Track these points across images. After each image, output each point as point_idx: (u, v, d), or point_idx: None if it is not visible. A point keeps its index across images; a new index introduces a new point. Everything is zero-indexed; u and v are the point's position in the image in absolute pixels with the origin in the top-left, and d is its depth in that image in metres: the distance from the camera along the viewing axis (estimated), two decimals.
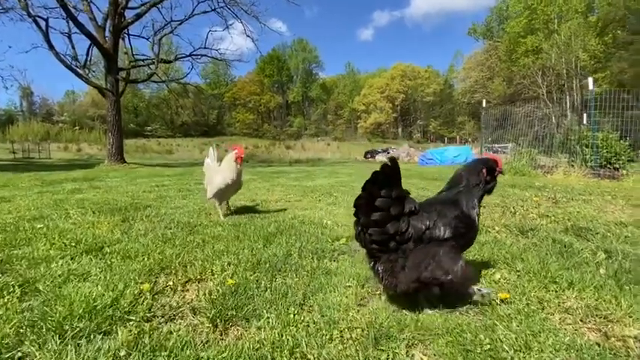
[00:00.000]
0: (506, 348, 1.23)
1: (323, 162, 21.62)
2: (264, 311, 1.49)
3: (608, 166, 8.25)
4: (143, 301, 1.57)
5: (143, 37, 16.07)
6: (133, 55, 16.02)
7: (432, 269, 1.46)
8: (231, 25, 16.64)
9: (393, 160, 1.45)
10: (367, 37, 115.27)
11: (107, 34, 13.75)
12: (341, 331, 1.34)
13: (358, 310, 1.54)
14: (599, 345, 1.30)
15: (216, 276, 1.87)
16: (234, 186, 3.51)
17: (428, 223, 1.50)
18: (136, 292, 1.65)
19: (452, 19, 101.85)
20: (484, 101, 13.79)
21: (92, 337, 1.30)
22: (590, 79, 9.12)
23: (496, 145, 15.84)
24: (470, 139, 39.74)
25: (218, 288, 1.70)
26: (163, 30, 15.81)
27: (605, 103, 9.25)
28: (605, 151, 8.36)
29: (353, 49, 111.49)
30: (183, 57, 16.98)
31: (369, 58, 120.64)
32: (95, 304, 1.51)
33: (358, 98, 63.28)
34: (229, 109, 64.51)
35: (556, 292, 1.75)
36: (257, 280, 1.81)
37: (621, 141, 8.47)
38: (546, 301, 1.65)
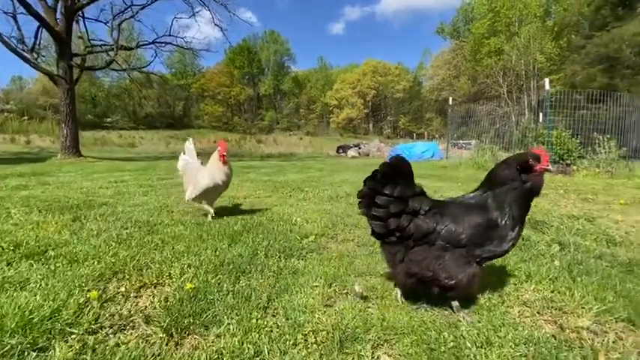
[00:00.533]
0: (469, 345, 1.24)
1: (295, 156, 21.47)
2: (225, 317, 1.40)
3: (561, 162, 8.85)
4: (89, 311, 1.42)
5: (100, 21, 14.97)
6: (89, 40, 14.90)
7: (434, 270, 1.45)
8: (198, 12, 15.98)
9: (398, 159, 1.45)
10: (338, 30, 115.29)
11: (59, 15, 12.65)
12: (305, 335, 1.29)
13: (324, 312, 1.49)
14: (555, 337, 1.35)
15: (174, 280, 1.74)
16: (223, 186, 3.19)
17: (435, 225, 1.46)
18: (81, 300, 1.50)
19: (420, 17, 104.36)
20: (450, 99, 14.28)
21: (25, 354, 1.15)
22: (547, 80, 9.70)
23: (461, 142, 16.55)
24: (437, 136, 41.16)
25: (175, 293, 1.58)
26: (123, 14, 14.83)
27: (559, 103, 9.91)
28: (558, 148, 8.95)
29: (324, 43, 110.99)
30: (146, 44, 16.07)
31: (340, 53, 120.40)
32: (31, 316, 1.34)
33: (330, 93, 63.30)
34: (197, 101, 61.99)
35: (515, 284, 1.81)
36: (219, 284, 1.71)
37: (573, 139, 9.12)
38: (506, 294, 1.69)
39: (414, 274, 1.49)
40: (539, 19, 37.99)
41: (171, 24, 16.18)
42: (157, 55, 16.47)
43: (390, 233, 1.49)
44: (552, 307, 1.60)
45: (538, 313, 1.55)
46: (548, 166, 1.40)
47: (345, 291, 1.72)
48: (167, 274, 1.80)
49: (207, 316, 1.40)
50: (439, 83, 52.55)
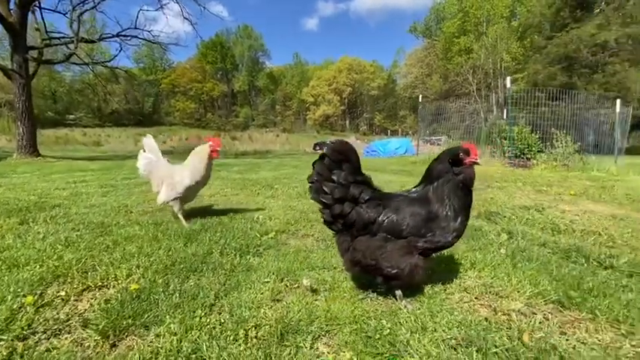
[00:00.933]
0: (404, 331, 1.30)
1: (271, 154, 21.27)
2: (168, 316, 1.38)
3: (522, 156, 9.32)
4: (22, 317, 1.36)
5: (59, 12, 14.08)
6: (46, 32, 13.98)
7: (377, 259, 1.49)
8: (165, 4, 15.35)
9: (344, 143, 1.51)
10: (312, 26, 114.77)
11: (12, 5, 11.80)
12: (247, 330, 1.29)
13: (271, 306, 1.50)
14: (487, 320, 1.43)
15: (119, 281, 1.70)
16: (202, 184, 3.04)
17: (377, 216, 1.50)
18: (14, 306, 1.43)
19: (394, 16, 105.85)
20: (420, 96, 14.64)
21: None
22: (508, 79, 10.16)
23: (433, 138, 17.03)
24: (410, 132, 42.03)
25: (118, 295, 1.54)
26: (84, 5, 14.02)
27: (522, 100, 10.41)
28: (519, 143, 9.41)
29: (299, 39, 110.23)
30: (109, 37, 15.26)
31: (315, 49, 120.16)
32: None
33: (306, 90, 63.02)
34: (167, 97, 59.72)
35: (459, 272, 1.91)
36: (166, 283, 1.68)
37: (533, 134, 9.61)
38: (449, 281, 1.78)
39: (358, 262, 1.54)
40: (505, 20, 39.62)
41: (137, 16, 15.50)
42: (121, 48, 15.70)
43: (335, 219, 1.54)
44: (490, 292, 1.69)
45: (476, 298, 1.64)
46: (476, 158, 1.48)
47: (297, 285, 1.74)
48: (113, 276, 1.74)
49: (148, 316, 1.38)
50: (412, 81, 53.62)
